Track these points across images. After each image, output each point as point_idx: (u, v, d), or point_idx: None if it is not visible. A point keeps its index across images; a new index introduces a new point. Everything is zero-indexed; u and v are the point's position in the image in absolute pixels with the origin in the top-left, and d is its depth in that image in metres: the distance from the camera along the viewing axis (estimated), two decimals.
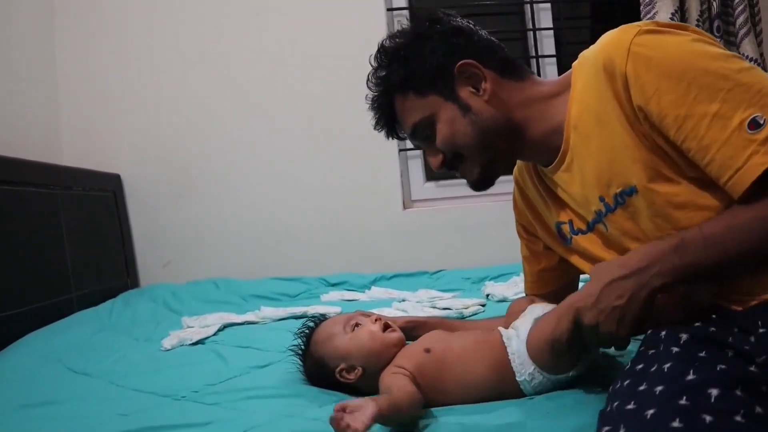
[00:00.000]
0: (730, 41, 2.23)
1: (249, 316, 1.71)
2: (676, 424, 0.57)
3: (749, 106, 0.70)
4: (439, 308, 1.68)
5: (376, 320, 1.02)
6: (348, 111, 2.36)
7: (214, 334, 1.53)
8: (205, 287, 2.20)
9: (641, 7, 2.24)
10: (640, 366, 0.69)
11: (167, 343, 1.44)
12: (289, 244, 2.42)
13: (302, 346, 1.08)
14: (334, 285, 2.22)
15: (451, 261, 2.33)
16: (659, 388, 0.62)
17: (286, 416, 0.90)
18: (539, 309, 0.93)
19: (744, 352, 0.64)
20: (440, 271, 2.30)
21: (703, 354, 0.66)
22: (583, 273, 0.98)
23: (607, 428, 0.61)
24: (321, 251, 2.41)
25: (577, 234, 0.93)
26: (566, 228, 0.95)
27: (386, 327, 1.01)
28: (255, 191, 2.43)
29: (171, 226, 2.42)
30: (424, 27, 0.96)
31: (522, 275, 1.85)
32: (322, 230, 2.42)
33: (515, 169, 1.07)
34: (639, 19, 2.18)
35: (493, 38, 0.97)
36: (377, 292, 2.04)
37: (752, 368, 0.63)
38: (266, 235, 2.42)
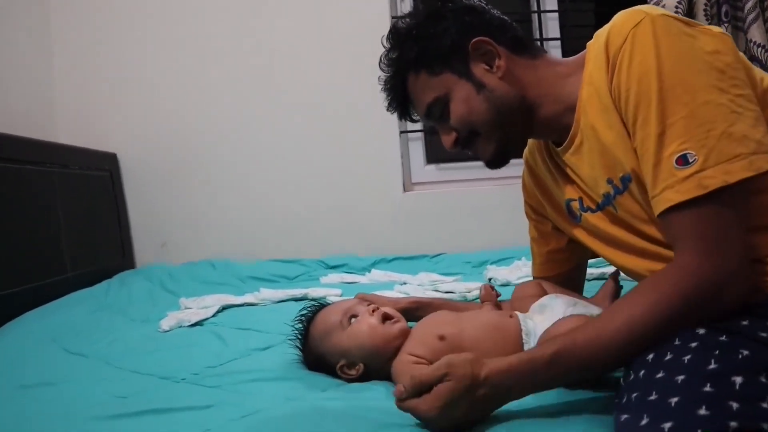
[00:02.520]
0: (737, 26, 2.19)
1: (248, 298, 1.68)
2: (702, 411, 0.56)
3: (686, 141, 0.70)
4: (441, 292, 1.67)
5: (374, 311, 0.97)
6: (348, 93, 2.34)
7: (213, 316, 1.51)
8: (202, 268, 2.17)
9: None
10: (652, 355, 0.67)
11: (165, 324, 1.42)
12: (287, 226, 2.39)
13: (300, 337, 1.05)
14: (333, 267, 2.19)
15: (451, 244, 2.31)
16: (681, 378, 0.61)
17: (289, 399, 0.88)
18: (560, 306, 0.90)
19: (762, 339, 0.63)
20: (441, 254, 2.28)
21: (723, 338, 0.64)
22: (591, 250, 0.97)
23: (625, 416, 0.60)
24: (320, 234, 2.38)
25: (586, 211, 0.93)
26: (576, 205, 0.95)
27: (386, 318, 0.97)
28: (254, 173, 2.40)
29: (168, 206, 2.39)
30: (436, 6, 0.95)
31: (524, 260, 1.87)
32: (321, 213, 2.39)
33: (525, 149, 1.06)
34: (645, 2, 2.16)
35: (505, 17, 0.96)
36: (377, 275, 2.02)
37: None
38: (264, 217, 2.39)
